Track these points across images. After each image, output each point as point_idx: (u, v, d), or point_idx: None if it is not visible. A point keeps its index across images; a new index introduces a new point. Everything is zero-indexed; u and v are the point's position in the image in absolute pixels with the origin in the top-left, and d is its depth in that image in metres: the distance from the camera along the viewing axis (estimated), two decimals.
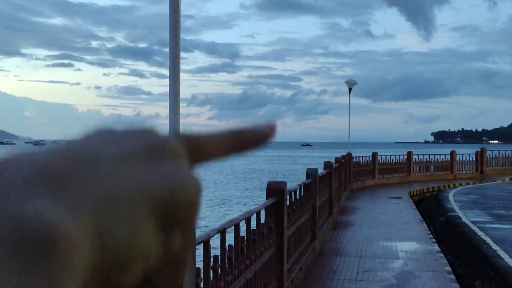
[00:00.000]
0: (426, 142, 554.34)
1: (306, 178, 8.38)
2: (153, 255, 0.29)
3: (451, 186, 21.06)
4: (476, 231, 10.83)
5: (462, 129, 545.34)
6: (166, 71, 4.44)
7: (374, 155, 21.00)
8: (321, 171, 9.85)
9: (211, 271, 3.60)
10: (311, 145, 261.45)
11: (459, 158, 25.35)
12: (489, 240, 9.87)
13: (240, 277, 4.20)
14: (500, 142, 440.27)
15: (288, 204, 6.07)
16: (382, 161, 21.78)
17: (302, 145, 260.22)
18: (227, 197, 27.93)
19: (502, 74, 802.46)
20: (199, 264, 3.46)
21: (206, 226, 12.17)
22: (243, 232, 4.34)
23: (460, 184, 21.58)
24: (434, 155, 24.70)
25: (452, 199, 16.40)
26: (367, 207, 14.31)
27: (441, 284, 7.01)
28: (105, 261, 0.26)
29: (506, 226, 11.57)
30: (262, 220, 5.04)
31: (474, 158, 26.02)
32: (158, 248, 0.29)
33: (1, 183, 0.25)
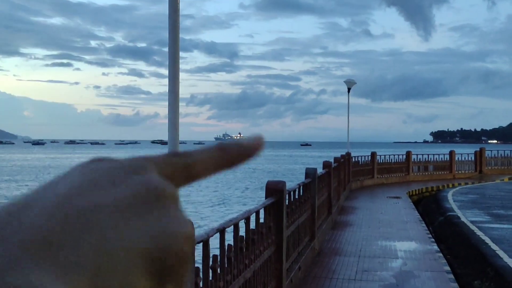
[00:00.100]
0: (425, 142, 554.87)
1: (305, 178, 8.39)
2: None
3: (450, 186, 21.08)
4: (475, 231, 10.84)
5: (461, 128, 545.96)
6: (165, 71, 4.44)
7: (373, 154, 21.00)
8: (320, 170, 9.86)
9: (210, 271, 3.60)
10: (310, 145, 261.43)
11: (458, 158, 25.36)
12: (488, 240, 9.88)
13: (239, 277, 4.20)
14: (499, 142, 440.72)
15: (287, 203, 6.07)
16: (381, 161, 21.79)
17: (301, 145, 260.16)
18: (227, 197, 27.92)
19: (501, 74, 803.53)
20: (198, 263, 3.46)
21: (205, 226, 12.17)
22: (242, 231, 4.34)
23: (459, 184, 21.59)
24: (433, 154, 24.70)
25: (451, 198, 16.41)
26: (366, 207, 14.31)
27: (440, 283, 7.02)
28: None
29: (505, 226, 11.58)
30: (261, 220, 5.05)
31: (473, 158, 26.03)
32: None
33: None
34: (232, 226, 4.07)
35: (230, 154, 0.36)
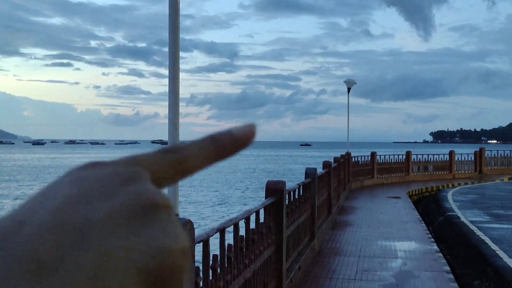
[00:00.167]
0: (425, 142, 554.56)
1: (305, 178, 8.39)
2: None
3: (450, 186, 21.08)
4: (474, 231, 10.84)
5: (461, 129, 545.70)
6: (165, 71, 4.45)
7: (373, 154, 21.00)
8: (320, 170, 9.86)
9: (210, 270, 3.60)
10: (310, 145, 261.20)
11: (458, 158, 25.36)
12: (487, 240, 9.88)
13: (239, 277, 4.20)
14: (498, 142, 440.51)
15: (287, 203, 6.07)
16: (381, 161, 21.79)
17: (301, 145, 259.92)
18: (227, 196, 27.93)
19: (501, 74, 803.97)
20: (198, 263, 3.47)
21: (206, 225, 12.17)
22: (242, 231, 4.34)
23: (459, 184, 21.59)
24: (433, 155, 24.70)
25: (451, 198, 16.41)
26: (366, 207, 14.31)
27: (440, 283, 7.02)
28: None
29: (505, 226, 11.58)
30: (261, 220, 5.05)
31: (472, 158, 26.03)
32: None
33: None
34: (232, 226, 4.07)
35: (222, 145, 0.36)
